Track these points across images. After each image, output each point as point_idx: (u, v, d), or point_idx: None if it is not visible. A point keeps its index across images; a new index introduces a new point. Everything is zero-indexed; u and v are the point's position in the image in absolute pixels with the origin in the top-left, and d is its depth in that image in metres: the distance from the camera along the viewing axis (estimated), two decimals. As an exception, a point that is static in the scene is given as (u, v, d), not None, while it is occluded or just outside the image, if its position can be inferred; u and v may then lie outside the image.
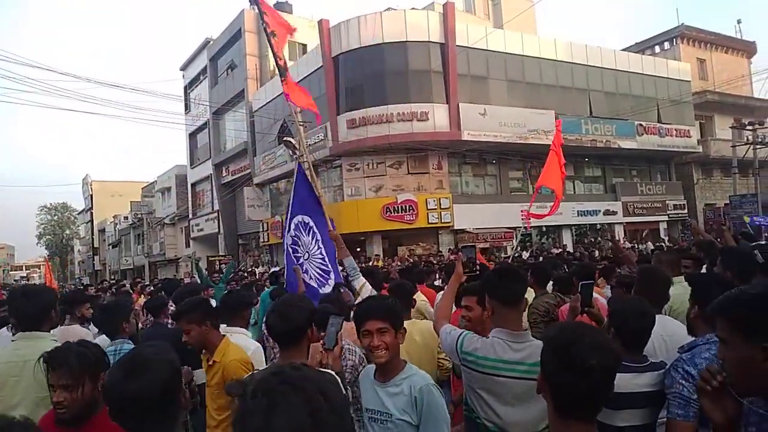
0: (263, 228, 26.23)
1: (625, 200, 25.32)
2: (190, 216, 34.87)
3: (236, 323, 3.79)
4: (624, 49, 28.58)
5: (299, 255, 5.77)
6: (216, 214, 30.98)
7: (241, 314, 3.91)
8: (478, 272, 4.98)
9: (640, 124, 24.53)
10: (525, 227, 18.65)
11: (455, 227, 20.49)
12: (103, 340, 4.44)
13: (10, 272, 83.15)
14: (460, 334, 2.51)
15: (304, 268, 5.63)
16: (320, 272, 5.79)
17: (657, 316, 2.77)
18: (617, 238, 15.32)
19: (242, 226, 29.68)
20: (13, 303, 3.02)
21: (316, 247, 5.78)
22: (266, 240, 26.14)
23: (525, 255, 13.93)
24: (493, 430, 2.37)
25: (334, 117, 20.58)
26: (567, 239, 23.86)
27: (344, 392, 0.93)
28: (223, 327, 3.62)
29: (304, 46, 26.98)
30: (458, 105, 20.08)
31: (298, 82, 23.27)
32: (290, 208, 5.84)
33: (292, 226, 5.78)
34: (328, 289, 5.20)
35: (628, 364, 2.24)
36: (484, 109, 20.58)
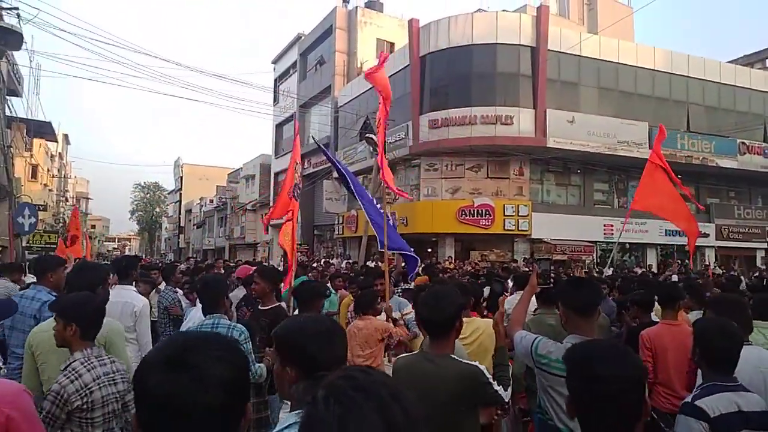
0: (338, 221, 26.82)
1: (719, 223, 23.68)
2: (271, 204, 36.18)
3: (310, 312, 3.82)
4: (730, 61, 26.69)
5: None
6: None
7: (314, 305, 3.95)
8: (552, 285, 4.90)
9: (743, 143, 22.83)
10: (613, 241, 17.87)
11: (532, 236, 19.99)
12: (195, 314, 4.75)
13: (105, 242, 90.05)
14: (535, 338, 2.63)
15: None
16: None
17: (753, 348, 2.70)
18: (707, 264, 14.36)
19: (319, 217, 30.47)
20: None
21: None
22: (341, 233, 26.71)
23: (608, 271, 13.32)
24: (564, 431, 2.45)
25: (417, 116, 20.67)
26: (651, 258, 22.65)
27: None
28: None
29: (392, 44, 27.26)
30: (545, 111, 19.57)
31: (384, 79, 23.62)
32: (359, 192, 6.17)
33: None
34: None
35: (718, 383, 2.26)
36: (573, 117, 19.93)
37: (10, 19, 12.37)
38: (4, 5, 13.20)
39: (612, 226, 21.32)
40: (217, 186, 50.62)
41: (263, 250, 36.00)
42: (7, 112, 17.60)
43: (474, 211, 19.62)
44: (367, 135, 19.96)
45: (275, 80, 36.93)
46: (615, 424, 1.48)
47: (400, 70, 22.18)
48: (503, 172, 20.48)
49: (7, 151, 15.13)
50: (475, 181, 20.39)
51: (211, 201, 50.81)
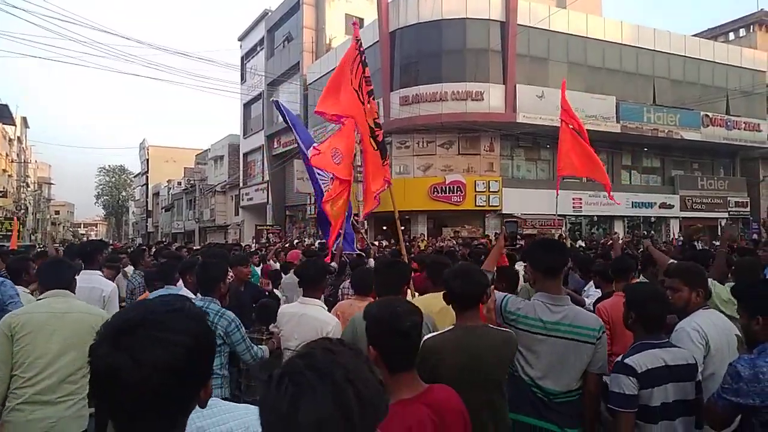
0: (310, 201, 26.57)
1: (683, 194, 24.31)
2: (241, 185, 35.67)
3: (314, 295, 3.56)
4: (695, 35, 27.12)
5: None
6: (266, 185, 31.56)
7: (320, 285, 3.72)
8: (519, 246, 4.97)
9: (707, 115, 23.35)
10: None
11: (503, 211, 20.18)
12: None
13: (70, 228, 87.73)
14: (504, 297, 2.76)
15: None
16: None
17: (714, 312, 2.97)
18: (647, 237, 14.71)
19: (290, 197, 30.15)
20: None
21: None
22: (313, 212, 26.48)
23: (581, 244, 13.55)
24: (529, 383, 2.60)
25: (387, 93, 20.46)
26: (619, 230, 23.14)
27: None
28: (300, 300, 3.58)
29: (361, 20, 26.78)
30: (515, 86, 19.61)
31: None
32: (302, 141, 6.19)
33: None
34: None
35: (646, 342, 2.52)
36: (542, 92, 20.02)
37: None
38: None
39: (581, 199, 21.68)
40: (185, 168, 49.55)
41: (234, 233, 35.56)
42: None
43: (446, 187, 19.68)
44: (337, 113, 19.68)
45: (242, 58, 36.05)
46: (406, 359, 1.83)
47: (369, 46, 21.82)
48: (474, 148, 20.52)
49: (-41, 135, 14.41)
50: (447, 158, 20.40)
51: (179, 183, 49.79)
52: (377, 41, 21.02)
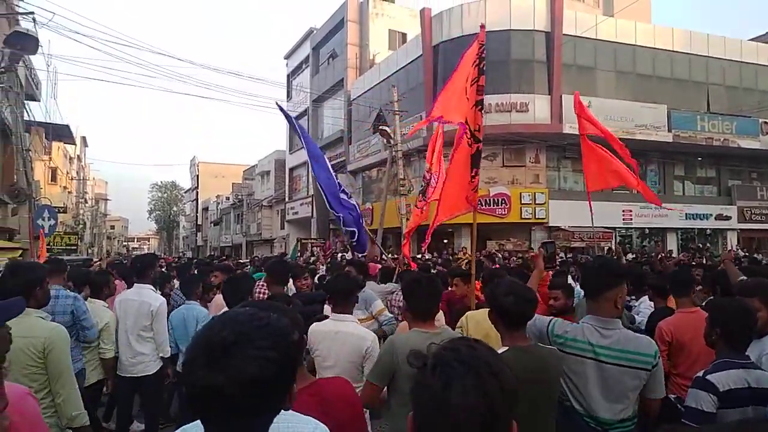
0: (354, 214, 26.78)
1: (741, 205, 23.19)
2: (286, 199, 36.33)
3: (346, 310, 3.26)
4: (753, 39, 26.03)
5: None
6: (310, 199, 32.03)
7: (352, 299, 3.39)
8: (558, 267, 4.80)
9: (766, 122, 22.29)
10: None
11: (550, 224, 19.77)
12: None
13: (124, 243, 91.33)
14: (551, 320, 2.64)
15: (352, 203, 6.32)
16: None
17: None
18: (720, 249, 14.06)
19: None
20: (2, 280, 3.02)
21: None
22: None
23: (630, 257, 13.11)
24: (580, 412, 2.47)
25: (431, 107, 20.47)
26: (672, 243, 22.28)
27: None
28: (332, 316, 3.27)
29: (404, 35, 27.07)
30: (561, 96, 19.29)
31: (396, 71, 23.58)
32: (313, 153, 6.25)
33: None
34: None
35: (729, 360, 2.42)
36: (589, 102, 19.53)
37: (25, 24, 12.49)
38: (20, 10, 13.33)
39: (631, 211, 21.01)
40: (232, 183, 50.87)
41: (279, 246, 36.16)
42: (26, 117, 17.81)
43: (490, 200, 19.45)
44: (380, 127, 19.86)
45: (288, 76, 36.94)
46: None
47: (413, 61, 22.02)
48: (519, 160, 20.26)
49: (26, 155, 15.32)
50: (491, 170, 20.19)
51: (228, 198, 51.12)
52: (420, 55, 21.15)
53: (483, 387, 0.98)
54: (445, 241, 21.69)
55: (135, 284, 4.75)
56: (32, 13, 12.38)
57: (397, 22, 28.26)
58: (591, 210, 7.44)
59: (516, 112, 19.18)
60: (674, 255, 18.71)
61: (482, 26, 5.00)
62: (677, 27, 22.14)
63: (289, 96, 36.01)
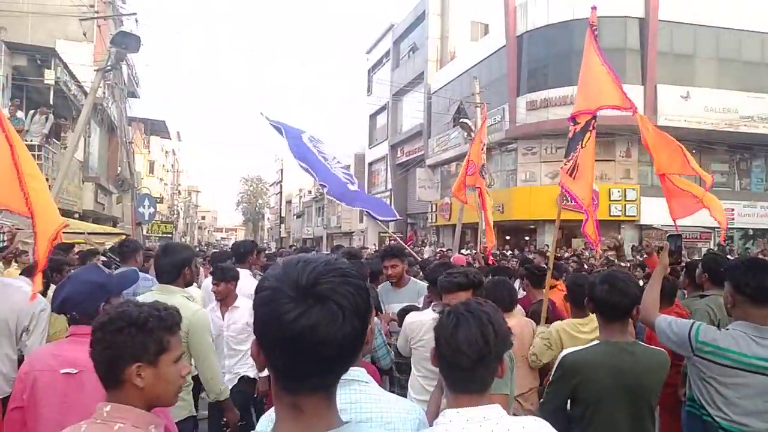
0: (431, 209, 26.69)
1: None
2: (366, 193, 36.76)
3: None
4: None
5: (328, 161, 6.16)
6: (389, 193, 32.28)
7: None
8: (683, 263, 4.43)
9: None
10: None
11: (641, 222, 18.67)
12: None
13: (213, 232, 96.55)
14: (693, 324, 2.42)
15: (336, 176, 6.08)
16: (345, 175, 6.34)
17: None
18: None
19: (412, 205, 30.52)
20: (156, 259, 3.22)
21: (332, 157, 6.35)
22: (434, 221, 26.57)
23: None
24: (726, 428, 2.25)
25: (513, 98, 19.96)
26: (780, 246, 20.35)
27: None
28: (433, 305, 3.22)
29: (486, 26, 26.54)
30: (655, 87, 18.14)
31: (478, 63, 23.12)
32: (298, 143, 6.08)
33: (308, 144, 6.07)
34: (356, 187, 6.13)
35: None
36: (687, 92, 18.30)
37: (128, 24, 13.44)
38: (123, 11, 14.35)
39: (733, 210, 19.37)
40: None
41: (358, 239, 36.74)
42: (128, 113, 19.17)
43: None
44: (461, 120, 19.58)
45: (368, 71, 37.35)
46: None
47: (495, 52, 21.53)
48: (608, 153, 19.26)
49: (129, 148, 16.49)
50: (577, 165, 19.35)
51: (310, 192, 52.58)
52: (503, 46, 20.64)
53: (481, 329, 1.41)
54: (527, 237, 21.09)
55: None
56: (135, 14, 13.30)
57: (479, 14, 27.71)
58: (668, 199, 6.32)
59: (605, 104, 18.25)
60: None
61: (593, 8, 4.81)
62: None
63: (369, 90, 36.40)
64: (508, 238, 22.54)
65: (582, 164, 4.57)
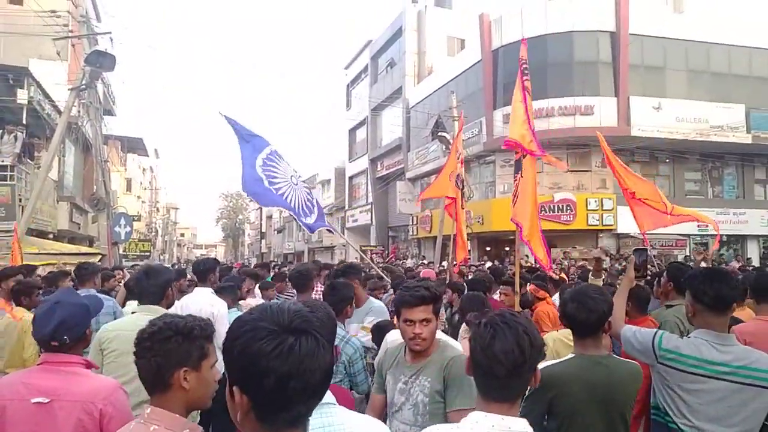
0: (413, 221, 26.77)
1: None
2: (346, 207, 36.79)
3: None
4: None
5: (278, 181, 5.86)
6: (369, 207, 32.30)
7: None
8: (648, 276, 4.53)
9: None
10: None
11: (618, 231, 18.96)
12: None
13: (193, 249, 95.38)
14: (656, 333, 2.46)
15: (286, 194, 5.77)
16: (307, 202, 6.12)
17: None
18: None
19: (393, 218, 30.58)
20: (137, 281, 3.29)
21: (297, 180, 6.06)
22: (415, 233, 26.63)
23: (702, 266, 12.33)
24: None
25: (490, 112, 20.22)
26: (752, 251, 20.85)
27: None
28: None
29: (462, 41, 26.90)
30: (628, 98, 18.53)
31: (455, 77, 23.41)
32: (248, 150, 5.83)
33: (260, 161, 5.80)
34: (311, 220, 5.87)
35: None
36: (659, 103, 18.73)
37: (103, 42, 13.35)
38: (98, 30, 14.25)
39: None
40: (294, 192, 51.96)
41: (340, 253, 36.62)
42: (104, 131, 18.93)
43: (554, 206, 18.89)
44: (439, 133, 19.77)
45: (347, 86, 37.52)
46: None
47: (472, 66, 21.82)
48: (584, 164, 19.59)
49: (104, 167, 16.28)
50: (555, 175, 19.62)
51: (289, 207, 52.30)
52: (479, 60, 20.93)
53: (518, 339, 1.45)
54: (507, 248, 21.26)
55: (196, 288, 4.78)
56: (110, 32, 13.21)
57: (455, 28, 28.11)
58: (633, 211, 6.45)
59: (581, 115, 18.58)
60: (754, 263, 17.48)
61: (523, 41, 5.32)
62: (756, 19, 20.68)
63: (348, 105, 36.56)
64: (488, 249, 22.71)
65: (522, 191, 4.79)
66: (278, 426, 0.96)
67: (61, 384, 1.98)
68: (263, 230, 64.82)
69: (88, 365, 2.12)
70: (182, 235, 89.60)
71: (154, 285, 3.09)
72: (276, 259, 43.34)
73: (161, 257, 48.51)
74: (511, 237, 20.05)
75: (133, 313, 3.29)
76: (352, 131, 36.67)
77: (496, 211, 19.66)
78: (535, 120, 18.32)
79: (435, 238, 17.75)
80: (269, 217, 62.06)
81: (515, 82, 5.13)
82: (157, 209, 56.91)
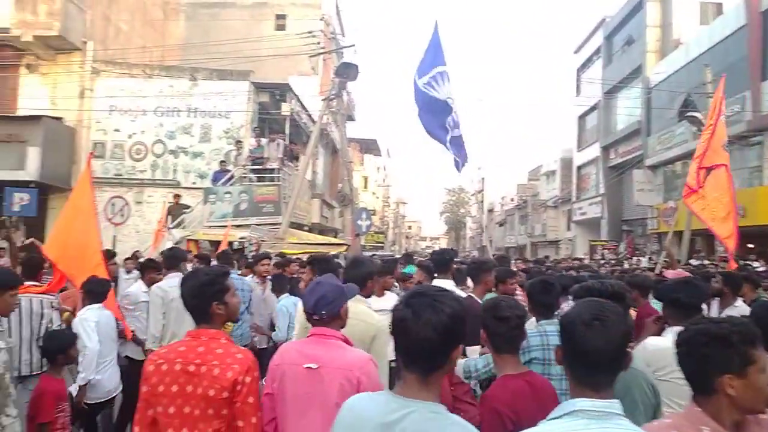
0: (652, 214, 24.08)
1: None
2: (573, 199, 34.90)
3: None
4: None
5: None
6: (600, 198, 30.12)
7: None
8: None
9: None
10: None
11: None
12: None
13: (418, 241, 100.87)
14: None
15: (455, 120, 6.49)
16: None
17: None
18: None
19: (628, 211, 27.95)
20: (345, 270, 3.52)
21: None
22: (655, 227, 23.89)
23: None
24: None
25: (758, 83, 17.02)
26: None
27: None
28: None
29: (719, 5, 23.20)
30: None
31: (712, 47, 20.24)
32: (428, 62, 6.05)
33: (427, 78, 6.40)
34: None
35: None
36: None
37: (347, 54, 14.94)
38: (344, 43, 15.97)
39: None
40: (517, 184, 51.24)
41: (566, 248, 34.90)
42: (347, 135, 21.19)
43: None
44: (689, 114, 17.35)
45: (577, 70, 35.54)
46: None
47: (733, 33, 18.68)
48: None
49: (348, 167, 18.19)
50: None
51: (512, 199, 51.73)
52: (743, 25, 17.82)
53: (621, 328, 1.50)
54: (750, 245, 17.73)
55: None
56: (353, 45, 14.70)
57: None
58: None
59: None
60: None
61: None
62: None
63: (578, 91, 34.60)
64: (751, 246, 19.17)
65: None
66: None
67: (327, 354, 2.27)
68: (484, 224, 65.33)
69: (346, 341, 2.37)
70: (409, 228, 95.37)
71: (357, 275, 3.26)
72: (495, 253, 43.23)
73: (392, 248, 52.41)
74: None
75: None
76: (582, 118, 34.59)
77: (763, 201, 16.61)
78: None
79: (681, 233, 15.68)
80: (490, 211, 62.21)
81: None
82: (388, 204, 61.55)
